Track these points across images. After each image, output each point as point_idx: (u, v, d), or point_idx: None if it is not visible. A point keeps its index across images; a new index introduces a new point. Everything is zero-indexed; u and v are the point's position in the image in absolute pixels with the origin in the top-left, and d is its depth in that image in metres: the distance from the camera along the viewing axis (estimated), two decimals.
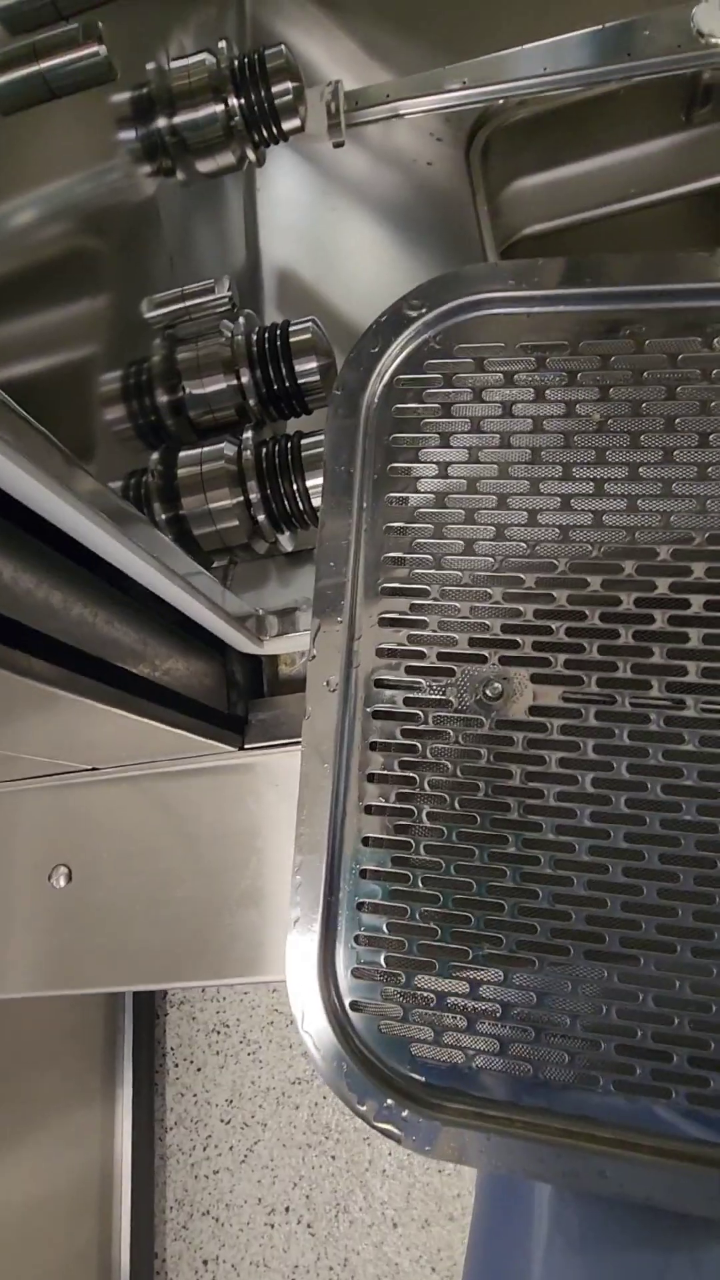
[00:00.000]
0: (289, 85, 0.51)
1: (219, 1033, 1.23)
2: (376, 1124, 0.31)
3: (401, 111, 0.63)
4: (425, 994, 0.32)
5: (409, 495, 0.35)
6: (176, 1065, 1.23)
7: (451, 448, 0.34)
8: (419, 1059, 0.32)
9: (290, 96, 0.51)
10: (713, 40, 0.59)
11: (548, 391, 0.34)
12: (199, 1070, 1.22)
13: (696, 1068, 0.29)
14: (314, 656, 0.34)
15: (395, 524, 0.35)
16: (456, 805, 0.33)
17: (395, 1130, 0.31)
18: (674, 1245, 0.31)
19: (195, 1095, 1.22)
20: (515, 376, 0.34)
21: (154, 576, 0.37)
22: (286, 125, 0.53)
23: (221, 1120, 1.20)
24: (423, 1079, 0.31)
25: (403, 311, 0.35)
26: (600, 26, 0.58)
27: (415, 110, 0.63)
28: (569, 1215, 0.33)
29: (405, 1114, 0.31)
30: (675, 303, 0.33)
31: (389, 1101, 0.31)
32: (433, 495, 0.34)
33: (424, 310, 0.34)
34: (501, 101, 0.72)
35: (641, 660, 0.32)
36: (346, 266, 0.70)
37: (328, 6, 0.78)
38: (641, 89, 0.77)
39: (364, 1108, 0.31)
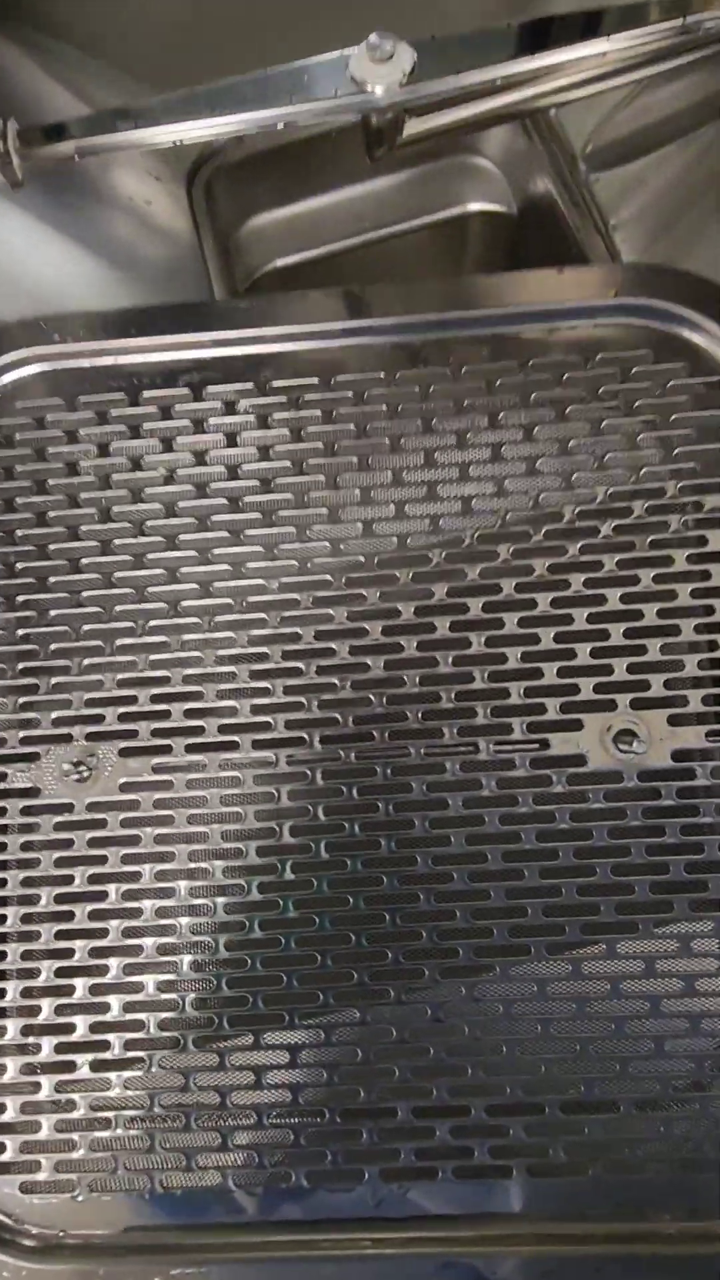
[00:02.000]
0: None
1: None
2: None
3: (76, 150, 0.61)
4: (32, 1121, 0.29)
5: None
6: None
7: (19, 514, 0.32)
8: (29, 1200, 0.28)
9: None
10: (365, 88, 0.61)
11: (111, 445, 0.32)
12: None
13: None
14: None
15: None
16: (51, 902, 0.30)
17: None
18: None
19: None
20: (77, 433, 0.32)
21: None
22: None
23: None
24: (32, 1226, 0.28)
25: None
26: (264, 72, 0.59)
27: (90, 150, 0.61)
28: None
29: (6, 1273, 0.27)
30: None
31: None
32: (1, 566, 0.32)
33: None
34: (210, 138, 0.72)
35: (227, 721, 0.30)
36: (57, 307, 0.67)
37: (25, 46, 0.75)
38: (352, 130, 0.79)
39: None
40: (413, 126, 0.48)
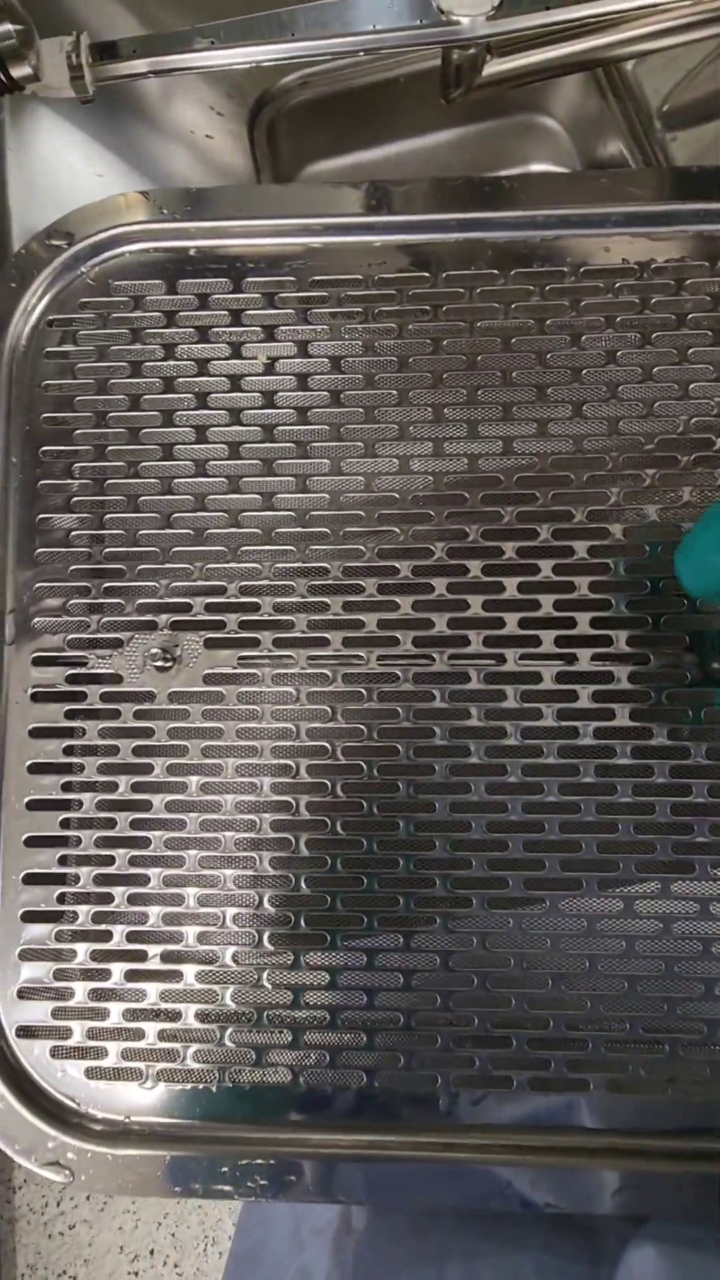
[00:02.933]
0: (10, 28, 0.46)
1: None
2: (39, 1168, 0.27)
3: (149, 68, 0.60)
4: (101, 1008, 0.28)
5: (64, 448, 0.31)
6: None
7: (110, 394, 0.31)
8: (94, 1085, 0.28)
9: (14, 41, 0.46)
10: (452, 17, 0.59)
11: (211, 331, 0.31)
12: None
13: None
14: None
15: (51, 480, 0.31)
16: (130, 790, 0.29)
17: (62, 1173, 0.27)
18: (447, 1253, 0.29)
19: None
20: (176, 316, 0.31)
21: None
22: (16, 72, 0.48)
23: None
24: (96, 1110, 0.28)
25: (44, 243, 0.31)
26: None
27: (164, 68, 0.60)
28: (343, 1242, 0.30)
29: (71, 1154, 0.27)
30: (338, 239, 0.31)
31: (54, 1141, 0.27)
32: (91, 448, 0.31)
33: (66, 244, 0.31)
34: (267, 67, 0.70)
35: (317, 617, 0.30)
36: None
37: None
38: (420, 77, 0.77)
39: (20, 1149, 0.27)
40: (493, 66, 0.46)
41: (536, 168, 0.77)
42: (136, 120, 0.73)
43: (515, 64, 0.46)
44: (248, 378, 0.31)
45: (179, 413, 0.31)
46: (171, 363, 0.31)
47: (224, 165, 0.75)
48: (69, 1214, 1.19)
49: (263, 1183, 0.27)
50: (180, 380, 0.31)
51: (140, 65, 0.62)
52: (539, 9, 0.41)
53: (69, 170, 0.70)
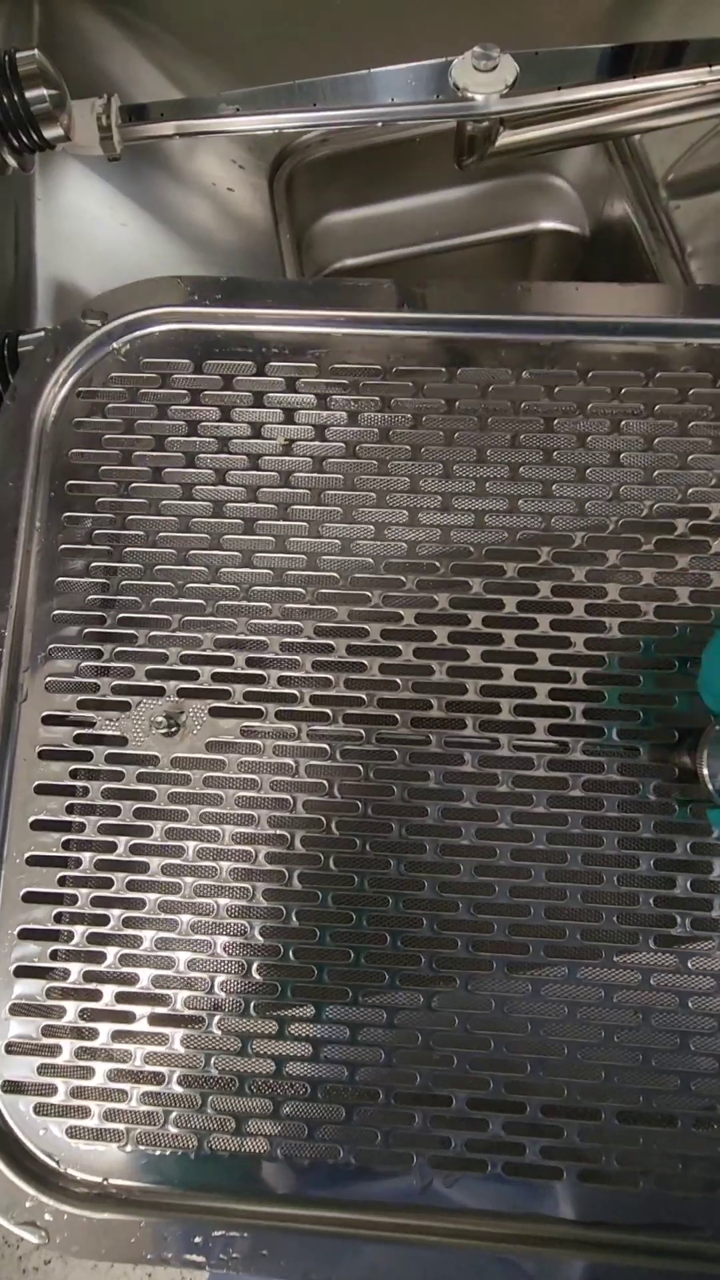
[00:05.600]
0: (44, 92, 0.49)
1: None
2: (15, 1227, 0.27)
3: (176, 131, 0.62)
4: (87, 1067, 0.29)
5: (87, 515, 0.32)
6: None
7: (134, 465, 0.32)
8: (74, 1144, 0.28)
9: (47, 104, 0.49)
10: (467, 94, 0.62)
11: (234, 410, 0.32)
12: None
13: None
14: None
15: (71, 545, 0.32)
16: (128, 851, 0.30)
17: (38, 1234, 0.27)
18: None
19: None
20: (202, 394, 0.32)
21: None
22: (48, 133, 0.51)
23: None
24: (75, 1171, 0.28)
25: (79, 320, 0.33)
26: (367, 71, 0.60)
27: (190, 131, 0.63)
28: None
29: (48, 1215, 0.27)
30: (360, 330, 0.33)
31: (31, 1200, 0.27)
32: (112, 516, 0.32)
33: (101, 321, 0.32)
34: (289, 132, 0.73)
35: (320, 692, 0.31)
36: (138, 280, 0.68)
37: (128, 29, 0.77)
38: (435, 138, 0.80)
39: None
40: (505, 138, 0.48)
41: (546, 225, 0.80)
42: (160, 172, 0.76)
43: (527, 136, 0.48)
44: (266, 457, 0.32)
45: (198, 487, 0.32)
46: (194, 439, 0.32)
47: (244, 216, 0.77)
48: (43, 1249, 1.16)
49: (235, 1255, 0.27)
50: (201, 456, 0.32)
51: (168, 128, 0.64)
52: (550, 89, 0.43)
53: (94, 220, 0.73)
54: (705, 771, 0.27)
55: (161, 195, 0.74)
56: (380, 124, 0.61)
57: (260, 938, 0.29)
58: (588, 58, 0.45)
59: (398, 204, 0.85)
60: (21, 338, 0.44)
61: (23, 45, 0.51)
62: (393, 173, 0.82)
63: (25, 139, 0.51)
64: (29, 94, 0.50)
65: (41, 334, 0.45)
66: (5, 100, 0.48)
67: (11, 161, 0.52)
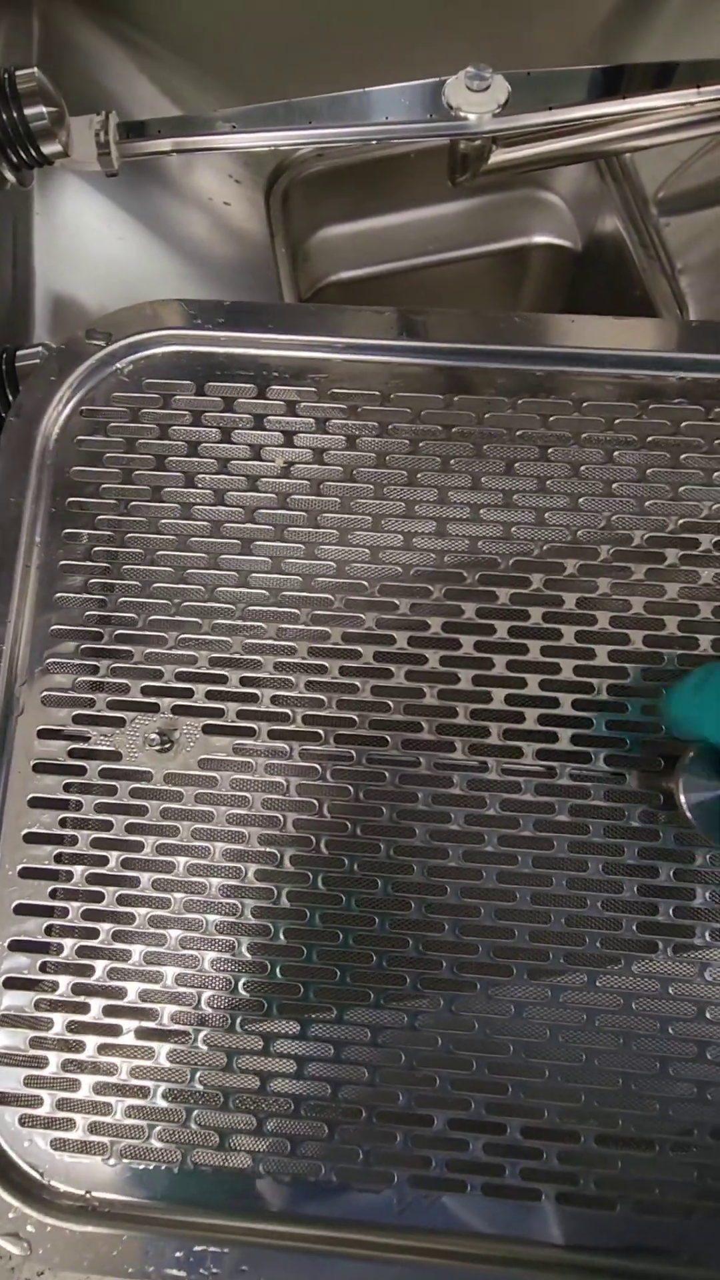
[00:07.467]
0: (43, 109, 0.50)
1: None
2: None
3: (173, 148, 0.63)
4: (73, 1079, 0.29)
5: (86, 532, 0.32)
6: None
7: (134, 484, 0.33)
8: (58, 1156, 0.29)
9: (46, 121, 0.50)
10: (460, 113, 0.63)
11: (234, 432, 0.33)
12: None
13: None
14: None
15: (70, 561, 0.32)
16: (119, 866, 0.30)
17: (20, 1245, 0.27)
18: None
19: None
20: (203, 415, 0.33)
21: None
22: (47, 149, 0.52)
23: None
24: (58, 1183, 0.28)
25: (83, 340, 0.33)
26: (363, 90, 0.61)
27: (187, 148, 0.63)
28: None
29: (30, 1227, 0.27)
30: (360, 356, 0.33)
31: (15, 1212, 0.28)
32: (111, 534, 0.33)
33: (105, 341, 0.33)
34: (284, 148, 0.73)
35: (312, 712, 0.31)
36: (135, 294, 0.68)
37: (127, 46, 0.77)
38: (429, 154, 0.81)
39: None
40: (498, 156, 0.49)
41: (539, 240, 0.80)
42: (158, 187, 0.77)
43: (519, 154, 0.49)
44: (264, 479, 0.33)
45: (197, 506, 0.33)
46: (194, 459, 0.33)
47: (241, 230, 0.78)
48: (33, 1262, 1.15)
49: (215, 1271, 0.27)
50: (200, 476, 0.33)
51: (165, 144, 0.65)
52: (541, 108, 0.44)
53: (92, 234, 0.73)
54: (682, 799, 0.27)
55: (159, 210, 0.75)
56: (375, 141, 0.62)
57: (248, 954, 0.30)
58: (579, 78, 0.46)
59: (392, 218, 0.86)
60: (19, 352, 0.45)
61: (22, 63, 0.52)
62: (387, 188, 0.83)
63: (24, 155, 0.52)
64: (28, 111, 0.50)
65: (39, 349, 0.46)
66: (4, 117, 0.49)
67: (10, 177, 0.53)
